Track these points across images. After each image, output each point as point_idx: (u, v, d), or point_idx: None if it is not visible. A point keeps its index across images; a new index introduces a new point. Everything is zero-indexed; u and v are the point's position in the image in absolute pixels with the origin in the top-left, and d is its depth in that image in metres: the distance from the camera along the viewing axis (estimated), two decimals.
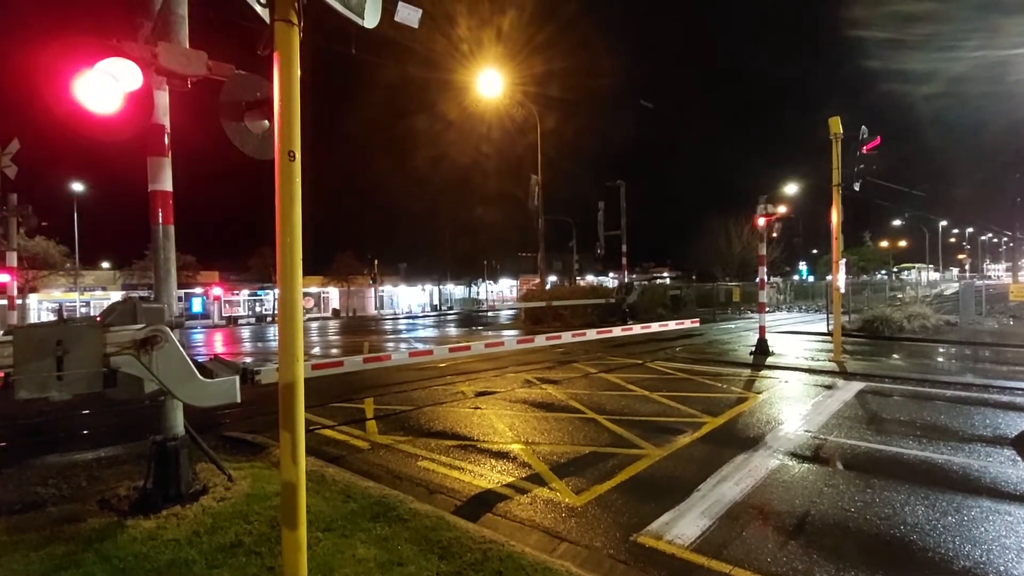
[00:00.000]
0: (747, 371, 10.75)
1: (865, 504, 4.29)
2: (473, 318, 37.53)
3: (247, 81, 3.87)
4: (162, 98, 4.16)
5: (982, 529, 3.83)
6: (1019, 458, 5.27)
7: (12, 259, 12.07)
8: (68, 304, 36.02)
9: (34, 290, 34.26)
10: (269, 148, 3.81)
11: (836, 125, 12.05)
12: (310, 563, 3.05)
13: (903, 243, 68.95)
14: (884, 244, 62.13)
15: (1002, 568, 3.33)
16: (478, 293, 61.58)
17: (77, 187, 34.78)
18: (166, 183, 4.25)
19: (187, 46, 4.11)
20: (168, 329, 3.42)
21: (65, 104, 3.23)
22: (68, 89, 3.19)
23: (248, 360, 15.91)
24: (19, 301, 14.84)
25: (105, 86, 3.26)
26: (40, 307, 36.27)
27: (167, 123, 4.23)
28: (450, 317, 41.18)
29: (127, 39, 3.69)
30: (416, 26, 3.66)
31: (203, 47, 3.97)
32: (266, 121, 3.92)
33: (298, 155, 2.83)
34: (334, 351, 17.71)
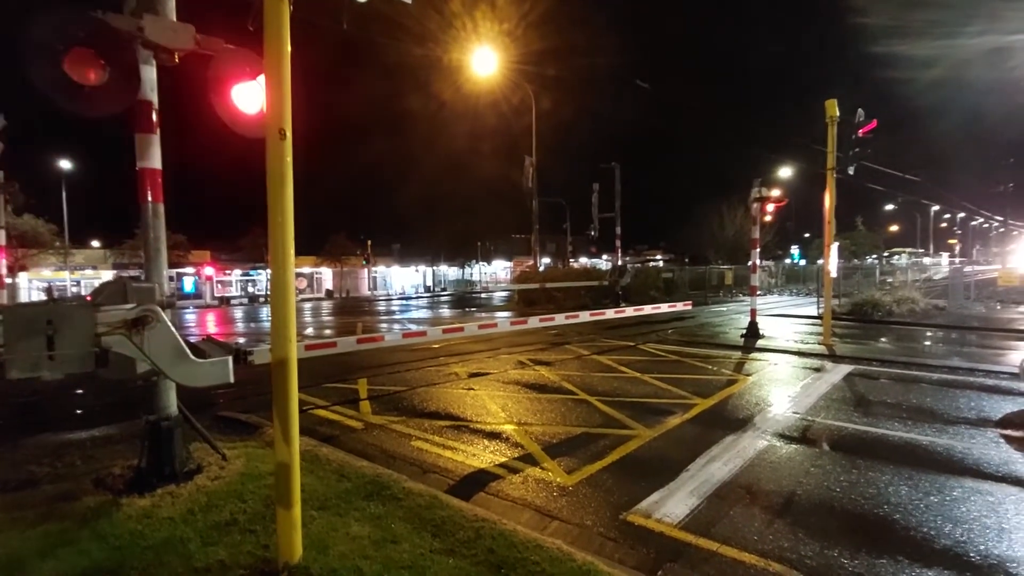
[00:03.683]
0: (738, 353, 10.86)
1: (850, 484, 4.38)
2: (467, 299, 37.54)
3: (237, 56, 3.79)
4: (149, 73, 4.06)
5: (964, 509, 3.93)
6: (1002, 440, 5.38)
7: (0, 237, 11.89)
8: (58, 283, 35.68)
9: (24, 269, 33.88)
10: (259, 126, 3.74)
11: (833, 108, 11.98)
12: (304, 540, 3.09)
13: (895, 228, 69.42)
14: (876, 229, 62.47)
15: (982, 547, 3.42)
16: (472, 274, 61.51)
17: (65, 165, 34.23)
18: (155, 161, 4.17)
19: (174, 19, 4.01)
20: (159, 309, 3.40)
21: (51, 78, 3.16)
22: (54, 63, 3.12)
23: (241, 340, 15.87)
24: (8, 280, 14.67)
25: (90, 59, 3.18)
26: (30, 286, 35.93)
27: (155, 99, 4.14)
28: (444, 298, 41.16)
29: (112, 11, 3.60)
30: (409, 1, 3.59)
31: (191, 20, 3.87)
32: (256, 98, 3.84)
33: (289, 133, 2.78)
34: (327, 332, 17.70)
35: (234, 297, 44.32)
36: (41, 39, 3.12)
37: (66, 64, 3.18)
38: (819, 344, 11.65)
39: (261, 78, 3.44)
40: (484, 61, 20.81)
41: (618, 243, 27.03)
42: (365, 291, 52.73)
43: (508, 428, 5.97)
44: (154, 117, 4.14)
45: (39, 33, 3.15)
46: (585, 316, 9.88)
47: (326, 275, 51.75)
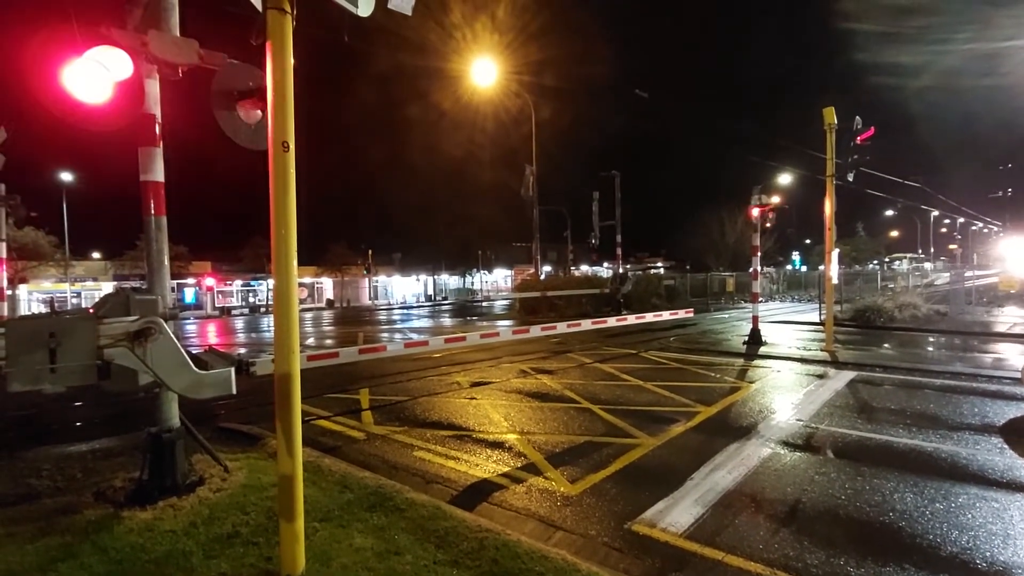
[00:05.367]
0: (740, 361, 10.83)
1: (855, 491, 4.35)
2: (468, 308, 37.51)
3: (239, 70, 3.83)
4: (153, 87, 4.10)
5: (969, 516, 3.90)
6: (1006, 446, 5.36)
7: (1, 250, 11.92)
8: (59, 295, 35.74)
9: (24, 281, 33.92)
10: (262, 139, 3.77)
11: (830, 115, 12.04)
12: (307, 553, 3.07)
13: (895, 233, 69.56)
14: (877, 234, 62.57)
15: (988, 553, 3.40)
16: (473, 283, 61.48)
17: (66, 177, 34.38)
18: (158, 174, 4.20)
19: (178, 34, 4.05)
20: (162, 321, 3.41)
21: (54, 93, 3.19)
22: (57, 78, 3.15)
23: (242, 351, 15.86)
24: (9, 292, 14.68)
25: (95, 75, 3.22)
26: (30, 298, 35.97)
27: (158, 113, 4.18)
28: (445, 307, 41.14)
29: (117, 27, 3.64)
30: (410, 13, 3.63)
31: (194, 35, 3.91)
32: (259, 111, 3.88)
33: (292, 146, 2.80)
34: (329, 342, 17.68)
35: (235, 307, 44.30)
36: (48, 54, 3.15)
37: (70, 80, 3.21)
38: (822, 350, 11.63)
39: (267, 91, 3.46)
40: (484, 71, 20.97)
41: (619, 251, 27.05)
42: (366, 300, 52.73)
43: (511, 437, 5.95)
44: (157, 130, 4.18)
45: (45, 48, 3.18)
46: (587, 324, 9.87)
47: (327, 285, 51.79)
